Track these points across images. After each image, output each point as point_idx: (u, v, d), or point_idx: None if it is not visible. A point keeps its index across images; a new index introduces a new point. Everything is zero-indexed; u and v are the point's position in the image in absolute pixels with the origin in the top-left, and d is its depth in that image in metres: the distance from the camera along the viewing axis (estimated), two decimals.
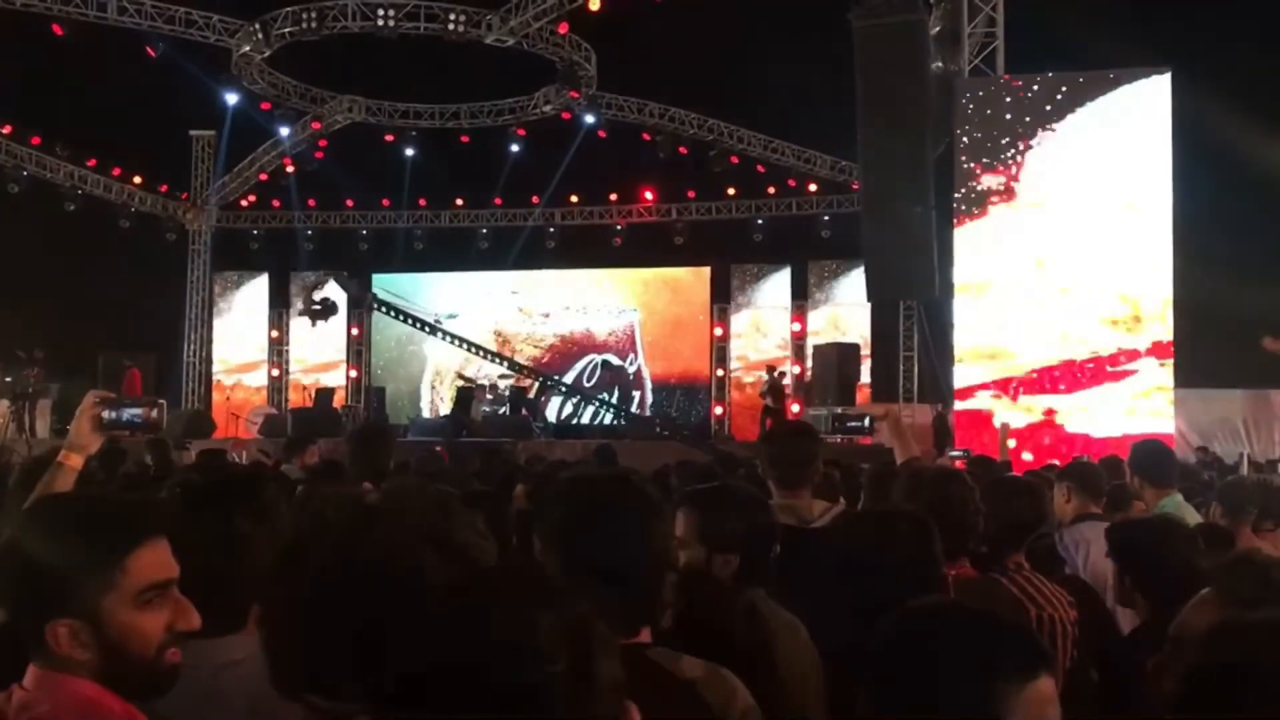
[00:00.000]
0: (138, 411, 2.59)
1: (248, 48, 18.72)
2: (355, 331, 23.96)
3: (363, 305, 17.16)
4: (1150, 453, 4.90)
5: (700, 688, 1.83)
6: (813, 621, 2.49)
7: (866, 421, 4.59)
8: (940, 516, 2.76)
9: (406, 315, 17.92)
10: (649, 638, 1.87)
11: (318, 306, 16.84)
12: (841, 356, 17.72)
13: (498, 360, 18.91)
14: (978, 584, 3.09)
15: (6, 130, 20.35)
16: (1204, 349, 14.59)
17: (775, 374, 18.55)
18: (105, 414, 2.49)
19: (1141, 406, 12.67)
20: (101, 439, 2.51)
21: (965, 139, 13.20)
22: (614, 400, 22.03)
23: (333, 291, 17.38)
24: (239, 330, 23.89)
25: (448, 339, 17.75)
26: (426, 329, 17.96)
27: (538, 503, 3.68)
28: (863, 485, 4.56)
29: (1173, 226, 12.59)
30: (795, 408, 19.71)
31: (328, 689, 1.20)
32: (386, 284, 24.11)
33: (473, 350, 17.95)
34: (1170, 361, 12.78)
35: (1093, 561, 4.17)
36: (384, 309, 17.35)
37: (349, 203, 24.18)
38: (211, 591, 1.59)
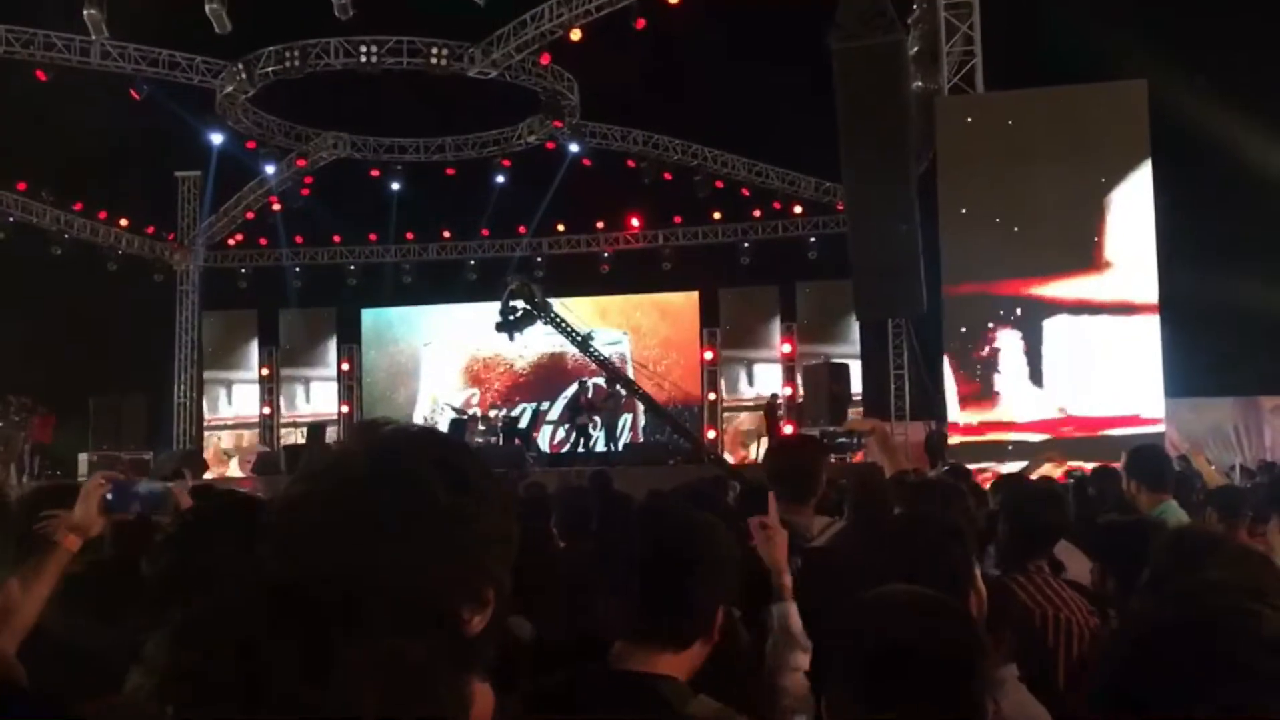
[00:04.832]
0: (155, 488, 2.46)
1: (231, 88, 18.79)
2: (346, 366, 23.93)
3: (544, 313, 16.76)
4: (1147, 458, 4.93)
5: None
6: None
7: (855, 439, 4.57)
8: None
9: (569, 329, 17.55)
10: (684, 670, 1.83)
11: (514, 318, 16.41)
12: (832, 375, 17.76)
13: (634, 390, 18.44)
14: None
15: None
16: (1193, 358, 14.70)
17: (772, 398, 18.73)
18: (110, 496, 2.34)
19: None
20: (105, 521, 2.36)
21: (947, 155, 13.28)
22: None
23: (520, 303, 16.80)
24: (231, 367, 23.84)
25: (598, 358, 17.39)
26: (580, 347, 17.67)
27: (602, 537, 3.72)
28: (845, 498, 4.38)
29: (1155, 235, 12.69)
30: (789, 429, 19.72)
31: None
32: (376, 318, 24.17)
33: (612, 376, 17.44)
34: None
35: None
36: (557, 321, 16.98)
37: (336, 238, 24.22)
38: None
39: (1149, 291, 12.75)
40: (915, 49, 14.13)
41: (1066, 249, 12.86)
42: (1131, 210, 12.71)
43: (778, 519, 2.69)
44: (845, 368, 19.18)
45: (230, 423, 23.72)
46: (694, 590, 1.85)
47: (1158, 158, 12.62)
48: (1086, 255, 12.85)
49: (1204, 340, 14.94)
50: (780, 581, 2.58)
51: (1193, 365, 15.00)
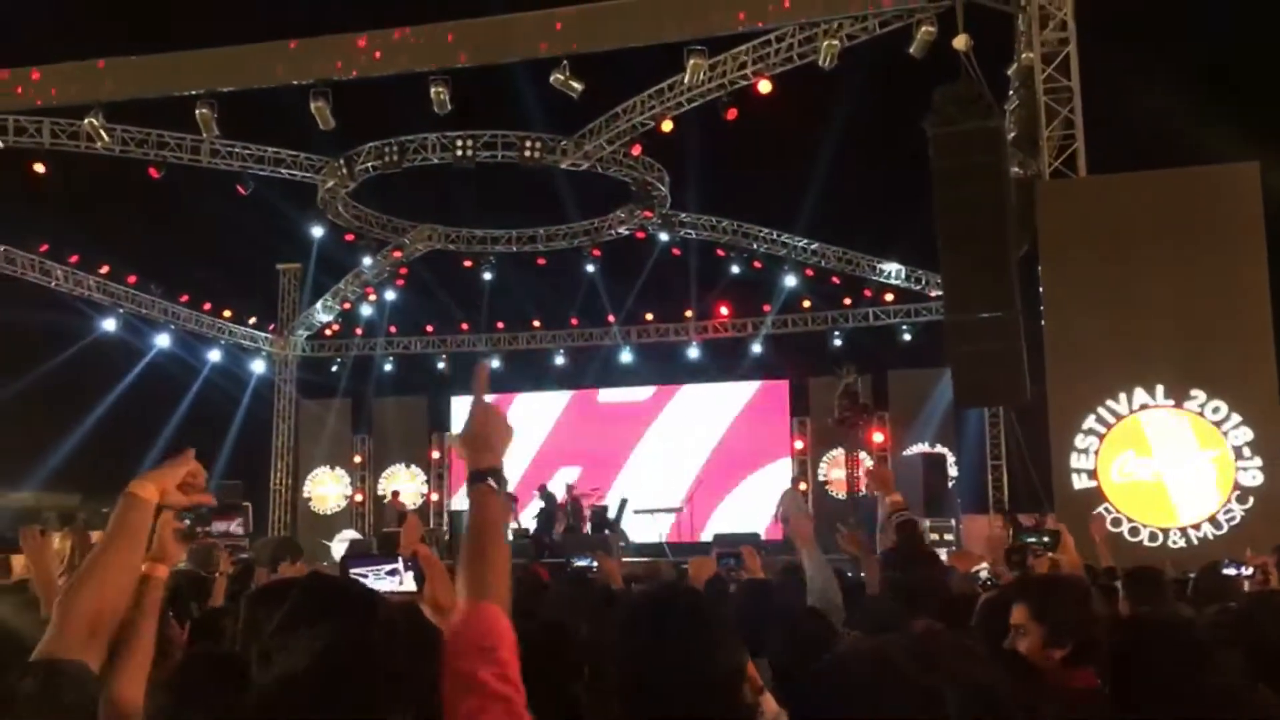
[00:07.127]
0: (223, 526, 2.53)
1: (333, 183, 19.35)
2: (436, 454, 24.09)
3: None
4: None
5: None
6: None
7: (1047, 539, 4.35)
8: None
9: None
10: None
11: (849, 414, 17.41)
12: (928, 467, 17.30)
13: None
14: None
15: (104, 270, 21.16)
16: None
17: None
18: (184, 524, 2.41)
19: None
20: (185, 549, 2.43)
21: (1050, 240, 12.99)
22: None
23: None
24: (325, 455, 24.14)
25: None
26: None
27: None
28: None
29: (1273, 322, 12.18)
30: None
31: None
32: (468, 406, 24.29)
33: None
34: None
35: None
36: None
37: (429, 328, 24.60)
38: None
39: (1267, 378, 12.21)
40: (1013, 133, 13.97)
41: (1177, 337, 12.42)
42: (1246, 296, 12.24)
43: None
44: (942, 459, 18.75)
45: (324, 510, 23.96)
46: None
47: (1274, 242, 12.16)
48: (1199, 342, 12.39)
49: None
50: None
51: None
